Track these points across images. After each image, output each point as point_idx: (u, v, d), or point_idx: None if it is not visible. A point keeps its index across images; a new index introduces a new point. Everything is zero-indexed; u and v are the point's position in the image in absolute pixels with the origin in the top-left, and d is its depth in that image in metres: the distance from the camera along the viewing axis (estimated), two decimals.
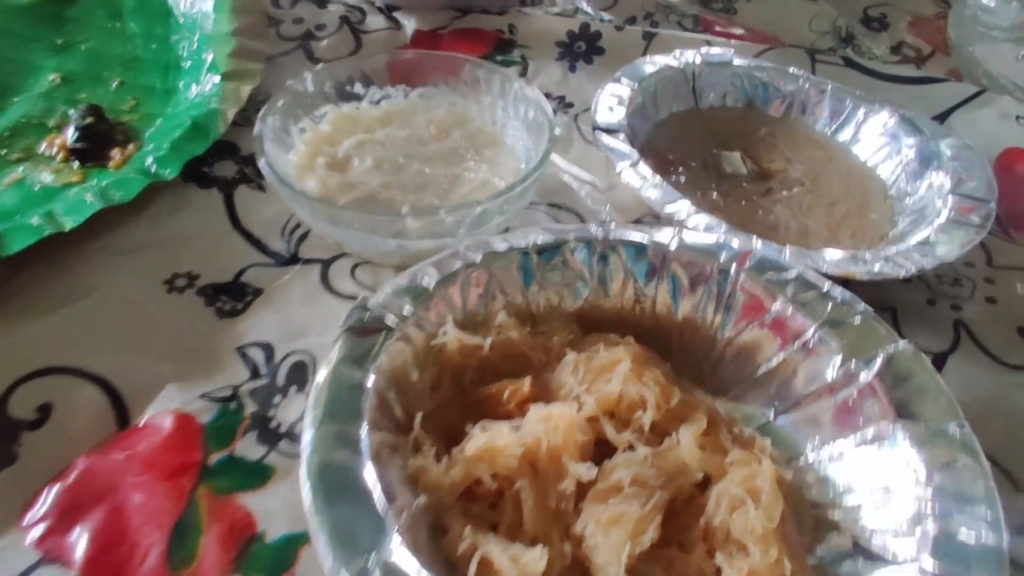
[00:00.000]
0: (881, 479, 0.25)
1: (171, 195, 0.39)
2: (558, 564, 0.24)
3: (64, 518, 0.27)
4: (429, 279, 0.29)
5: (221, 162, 0.42)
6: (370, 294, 0.28)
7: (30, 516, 0.27)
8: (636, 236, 0.31)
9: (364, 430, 0.24)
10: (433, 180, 0.38)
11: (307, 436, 0.23)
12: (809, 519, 0.26)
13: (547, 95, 0.53)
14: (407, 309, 0.28)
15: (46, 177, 0.39)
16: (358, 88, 0.43)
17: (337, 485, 0.22)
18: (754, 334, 0.30)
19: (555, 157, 0.47)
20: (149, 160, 0.39)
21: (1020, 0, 0.56)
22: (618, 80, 0.45)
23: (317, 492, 0.22)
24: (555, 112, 0.51)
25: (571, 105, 0.53)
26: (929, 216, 0.38)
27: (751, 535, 0.24)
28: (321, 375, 0.25)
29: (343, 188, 0.36)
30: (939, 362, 0.35)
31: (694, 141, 0.45)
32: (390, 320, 0.27)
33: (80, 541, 0.26)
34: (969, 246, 0.35)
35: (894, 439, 0.25)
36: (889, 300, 0.37)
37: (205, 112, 0.41)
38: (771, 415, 0.30)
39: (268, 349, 0.33)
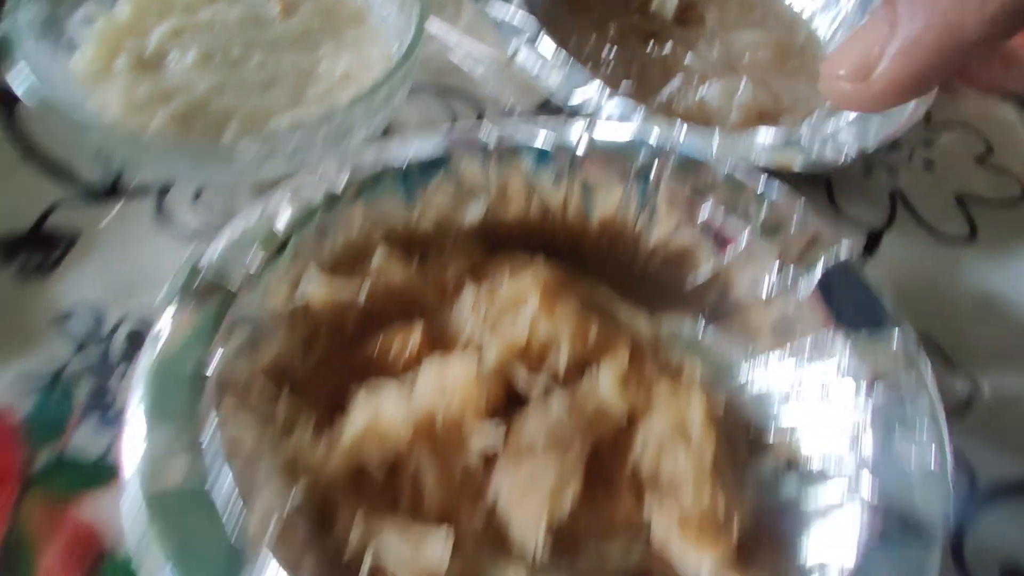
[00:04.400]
0: (819, 394, 0.23)
1: None
2: (470, 541, 0.21)
3: None
4: (283, 215, 0.23)
5: None
6: (204, 245, 0.22)
7: None
8: (537, 138, 0.26)
9: (212, 425, 0.19)
10: (281, 76, 0.30)
11: (130, 455, 0.18)
12: (744, 446, 0.24)
13: None
14: (256, 262, 0.22)
15: None
16: None
17: (177, 512, 0.18)
18: (682, 242, 0.26)
19: (442, 29, 0.38)
20: None
21: None
22: None
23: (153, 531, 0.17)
24: None
25: None
26: None
27: (682, 478, 0.22)
28: (144, 363, 0.20)
29: (157, 99, 0.28)
30: (875, 239, 0.32)
31: None
32: (234, 280, 0.22)
33: None
34: (917, 117, 0.30)
35: (833, 350, 0.23)
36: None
37: None
38: (701, 326, 0.26)
39: (96, 314, 0.27)
